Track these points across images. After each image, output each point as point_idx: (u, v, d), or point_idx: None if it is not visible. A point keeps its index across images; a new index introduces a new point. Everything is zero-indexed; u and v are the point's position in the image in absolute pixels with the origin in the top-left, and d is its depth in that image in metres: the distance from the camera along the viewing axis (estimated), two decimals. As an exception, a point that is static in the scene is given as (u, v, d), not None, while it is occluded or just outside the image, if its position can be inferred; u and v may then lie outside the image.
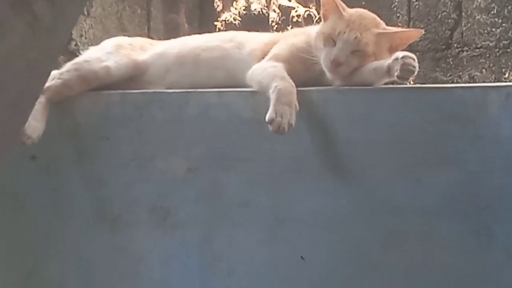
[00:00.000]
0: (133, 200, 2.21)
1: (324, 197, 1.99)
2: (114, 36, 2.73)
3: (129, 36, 2.73)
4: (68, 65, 2.34)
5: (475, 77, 4.19)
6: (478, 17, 4.19)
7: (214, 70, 2.28)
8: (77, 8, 1.47)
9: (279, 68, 2.05)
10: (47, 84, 2.23)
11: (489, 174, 1.84)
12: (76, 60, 2.37)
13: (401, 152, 1.91)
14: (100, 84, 2.31)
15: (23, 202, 2.34)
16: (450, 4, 4.29)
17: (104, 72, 2.31)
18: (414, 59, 1.91)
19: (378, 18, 2.15)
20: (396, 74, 1.91)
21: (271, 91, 1.93)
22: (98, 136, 2.25)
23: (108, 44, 2.45)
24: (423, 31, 2.17)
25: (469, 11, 4.23)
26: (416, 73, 1.90)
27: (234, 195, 2.09)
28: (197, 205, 2.14)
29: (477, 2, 4.20)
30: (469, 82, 4.20)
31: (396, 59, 1.92)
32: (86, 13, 3.89)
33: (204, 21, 4.50)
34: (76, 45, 3.77)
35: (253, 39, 2.31)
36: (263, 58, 2.18)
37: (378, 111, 1.95)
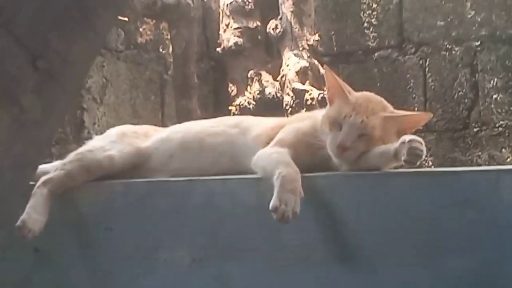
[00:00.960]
0: None
1: (332, 287, 1.90)
2: (128, 123, 2.71)
3: (143, 123, 2.71)
4: (71, 155, 2.32)
5: (494, 156, 4.12)
6: (496, 96, 4.15)
7: (219, 156, 2.24)
8: (66, 101, 1.43)
9: (284, 153, 2.00)
10: (49, 175, 2.23)
11: (506, 262, 1.73)
12: (80, 150, 2.35)
13: (413, 240, 1.82)
14: (103, 174, 2.29)
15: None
16: (466, 84, 4.26)
17: (107, 161, 2.28)
18: (421, 143, 1.84)
19: (385, 101, 2.10)
20: (403, 158, 1.84)
21: (275, 177, 1.86)
22: (102, 227, 2.22)
23: (112, 132, 2.43)
24: (431, 115, 2.11)
25: (486, 91, 4.19)
26: (423, 157, 1.83)
27: (241, 287, 2.01)
28: (203, 298, 2.05)
29: (494, 81, 4.16)
30: (488, 162, 4.12)
31: (403, 143, 1.85)
32: (99, 100, 3.90)
33: (219, 106, 4.50)
34: (89, 133, 3.77)
35: (259, 124, 2.27)
36: (269, 143, 2.13)
37: (387, 197, 1.86)
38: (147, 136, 2.42)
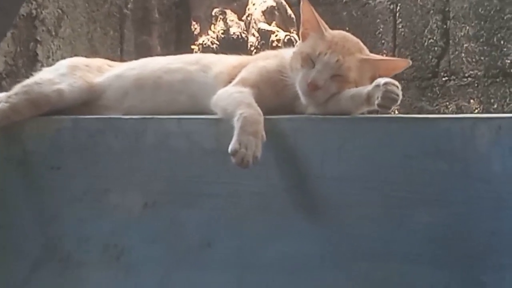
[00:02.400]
0: (85, 238, 2.03)
1: (294, 239, 1.79)
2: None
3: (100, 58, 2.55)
4: (17, 88, 2.16)
5: (462, 107, 4.06)
6: (466, 45, 4.06)
7: (176, 94, 2.10)
8: (3, 26, 1.26)
9: (246, 93, 1.88)
10: (-8, 108, 2.05)
11: (477, 217, 1.64)
12: (26, 82, 2.19)
13: (379, 190, 1.71)
14: (51, 109, 2.14)
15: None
16: (437, 31, 4.16)
17: (56, 95, 2.13)
18: (397, 87, 1.72)
19: (361, 43, 1.98)
20: (376, 102, 1.72)
21: (235, 119, 1.75)
22: (48, 166, 2.07)
23: (62, 65, 2.28)
24: (410, 62, 1.98)
25: (457, 39, 4.11)
26: (399, 102, 1.72)
27: (195, 235, 1.90)
28: (154, 245, 1.94)
29: (466, 29, 4.08)
30: (456, 113, 4.05)
31: (378, 85, 1.73)
32: (54, 33, 3.72)
33: (181, 44, 4.35)
34: (42, 66, 3.58)
35: (220, 62, 2.14)
36: (231, 82, 2.00)
37: (354, 144, 1.75)
38: (101, 71, 2.27)
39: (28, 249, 2.08)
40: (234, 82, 1.98)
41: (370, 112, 1.86)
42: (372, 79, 1.82)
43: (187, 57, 2.27)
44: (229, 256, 1.86)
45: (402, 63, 1.97)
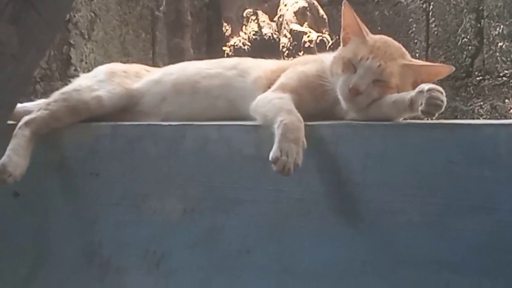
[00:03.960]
0: (124, 243, 2.05)
1: (335, 246, 1.77)
2: (117, 61, 2.55)
3: (132, 61, 2.55)
4: (56, 95, 2.18)
5: (497, 107, 4.00)
6: (501, 43, 4.00)
7: (214, 99, 2.09)
8: (47, 33, 1.26)
9: (286, 99, 1.86)
10: (32, 116, 2.10)
11: (524, 225, 1.61)
12: (65, 89, 2.20)
13: (423, 197, 1.68)
14: (90, 116, 2.15)
15: (5, 242, 2.17)
16: (471, 30, 4.11)
17: (95, 102, 2.14)
18: (442, 93, 1.68)
19: (403, 49, 1.95)
20: (420, 108, 1.68)
21: (276, 125, 1.72)
22: (87, 172, 2.09)
23: (101, 71, 2.27)
24: (453, 68, 1.93)
25: (491, 38, 4.05)
26: (443, 108, 1.68)
27: (234, 241, 1.89)
28: (193, 251, 1.94)
29: (500, 28, 4.01)
30: (490, 112, 3.99)
31: (421, 91, 1.69)
32: (87, 36, 3.73)
33: (212, 46, 4.33)
34: (75, 70, 3.60)
35: (259, 66, 2.12)
36: (269, 87, 1.99)
37: (397, 150, 1.72)
38: (138, 76, 2.27)
39: (67, 254, 2.11)
40: (273, 87, 1.96)
41: (411, 118, 1.83)
42: (414, 85, 1.79)
43: (225, 61, 2.25)
44: (269, 262, 1.84)
45: (445, 69, 1.93)
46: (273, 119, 1.75)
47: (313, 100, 1.93)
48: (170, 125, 2.00)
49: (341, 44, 1.98)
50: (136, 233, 2.01)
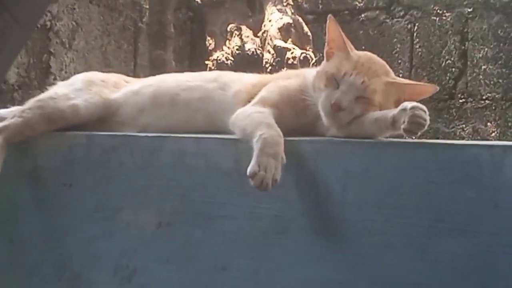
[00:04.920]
0: (96, 257, 1.99)
1: (312, 265, 1.72)
2: (98, 71, 2.50)
3: (114, 73, 2.50)
4: (31, 102, 2.13)
5: (479, 130, 3.99)
6: (485, 66, 4.00)
7: (193, 112, 2.05)
8: (20, 36, 1.21)
9: (266, 114, 1.82)
10: (5, 123, 2.06)
11: (507, 249, 1.57)
12: (41, 96, 2.16)
13: (403, 217, 1.63)
14: (66, 125, 2.11)
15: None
16: (455, 53, 4.11)
17: (71, 111, 2.10)
18: (425, 111, 1.65)
19: (387, 66, 1.92)
20: (403, 126, 1.65)
21: (255, 140, 1.68)
22: (60, 183, 2.04)
23: (78, 79, 2.23)
24: (438, 88, 1.89)
25: (475, 61, 4.05)
26: (426, 127, 1.65)
27: (210, 257, 1.83)
28: (167, 267, 1.89)
29: (484, 51, 4.01)
30: (472, 135, 3.98)
31: (404, 109, 1.66)
32: (67, 45, 3.68)
33: (195, 60, 4.31)
34: (55, 79, 3.55)
35: (240, 80, 2.08)
36: (250, 101, 1.95)
37: (377, 169, 1.68)
38: (117, 87, 2.23)
39: (38, 265, 2.05)
40: (253, 101, 1.92)
41: (394, 136, 1.79)
42: (397, 104, 1.75)
43: (205, 74, 2.22)
44: (245, 280, 1.79)
45: (430, 89, 1.88)
46: (252, 133, 1.71)
47: (294, 115, 1.89)
48: (147, 136, 1.96)
49: (325, 59, 1.94)
50: (108, 246, 1.96)
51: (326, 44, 1.95)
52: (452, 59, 4.10)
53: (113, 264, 1.94)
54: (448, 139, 3.95)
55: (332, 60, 1.90)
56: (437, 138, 3.95)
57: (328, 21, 1.92)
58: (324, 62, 1.94)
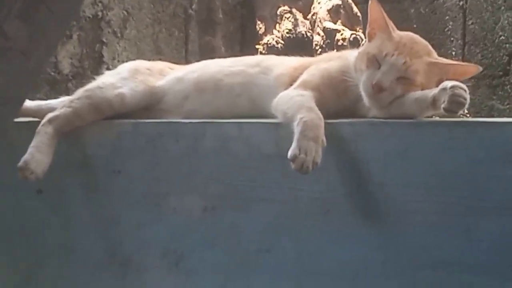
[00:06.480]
0: (145, 242, 2.03)
1: (354, 246, 1.74)
2: (150, 60, 2.55)
3: (165, 60, 2.54)
4: (80, 92, 2.17)
5: (535, 107, 3.90)
6: (540, 41, 3.90)
7: (236, 97, 2.07)
8: (57, 29, 1.25)
9: (307, 97, 1.83)
10: (55, 113, 2.10)
11: (548, 227, 1.55)
12: (89, 86, 2.19)
13: (445, 197, 1.64)
14: (113, 113, 2.14)
15: (29, 239, 2.18)
16: (509, 28, 4.00)
17: (118, 100, 2.13)
18: (465, 90, 1.64)
19: (430, 46, 1.90)
20: (443, 106, 1.64)
21: (295, 123, 1.69)
22: (109, 170, 2.08)
23: (124, 68, 2.27)
24: (480, 68, 1.88)
25: (530, 35, 3.94)
26: (466, 106, 1.64)
27: (254, 240, 1.87)
28: (213, 250, 1.92)
29: (539, 25, 3.91)
30: (528, 112, 3.90)
31: (444, 89, 1.65)
32: (119, 34, 3.73)
33: (245, 45, 4.31)
34: (108, 68, 3.60)
35: (281, 64, 2.09)
36: (292, 85, 1.96)
37: (418, 149, 1.68)
38: (162, 74, 2.26)
39: (88, 252, 2.10)
40: (295, 84, 1.93)
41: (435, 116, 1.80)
42: (439, 84, 1.74)
43: (248, 59, 2.22)
44: (288, 262, 1.82)
45: (472, 69, 1.87)
46: (293, 116, 1.73)
47: (335, 98, 1.89)
48: (190, 122, 1.98)
49: (367, 40, 1.94)
50: (156, 232, 1.99)
51: (368, 25, 1.95)
52: (506, 35, 4.01)
53: (161, 249, 1.98)
54: (503, 116, 3.88)
55: (374, 40, 1.90)
56: (492, 116, 3.89)
57: (370, 2, 1.91)
58: (366, 43, 1.94)
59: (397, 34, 1.88)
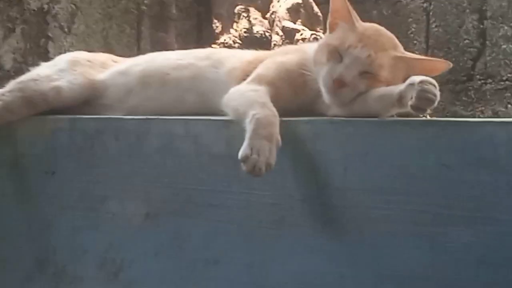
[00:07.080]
0: (80, 250, 1.90)
1: (311, 257, 1.60)
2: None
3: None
4: (12, 84, 2.05)
5: (499, 112, 3.84)
6: (505, 46, 3.85)
7: (184, 92, 1.94)
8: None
9: (261, 92, 1.69)
10: (-16, 107, 1.92)
11: (525, 237, 1.43)
12: (22, 78, 2.08)
13: (410, 204, 1.50)
14: (48, 108, 2.00)
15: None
16: (473, 32, 3.95)
17: (54, 93, 2.00)
18: (435, 86, 1.52)
19: (396, 40, 1.78)
20: (410, 103, 1.52)
21: (247, 120, 1.56)
22: (42, 170, 1.95)
23: (62, 59, 2.15)
24: (451, 64, 1.75)
25: (494, 40, 3.89)
26: (436, 103, 1.53)
27: (201, 250, 1.73)
28: (155, 260, 1.79)
29: (504, 29, 3.86)
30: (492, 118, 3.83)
31: (412, 84, 1.53)
32: (66, 29, 3.58)
33: (201, 43, 4.18)
34: (53, 65, 3.43)
35: (234, 57, 1.97)
36: (245, 79, 1.82)
37: (382, 150, 1.54)
38: (104, 67, 2.13)
39: (19, 260, 1.99)
40: (248, 79, 1.80)
41: (401, 115, 1.67)
42: (406, 80, 1.60)
43: (198, 51, 2.10)
44: (239, 274, 1.69)
45: (441, 65, 1.74)
46: (245, 113, 1.59)
47: (292, 94, 1.76)
48: (133, 119, 1.86)
49: (328, 31, 1.81)
50: (93, 239, 1.87)
51: (329, 14, 1.82)
52: (470, 38, 3.95)
53: (99, 258, 1.86)
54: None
55: (335, 31, 1.77)
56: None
57: None
58: (327, 34, 1.82)
59: (361, 25, 1.76)
